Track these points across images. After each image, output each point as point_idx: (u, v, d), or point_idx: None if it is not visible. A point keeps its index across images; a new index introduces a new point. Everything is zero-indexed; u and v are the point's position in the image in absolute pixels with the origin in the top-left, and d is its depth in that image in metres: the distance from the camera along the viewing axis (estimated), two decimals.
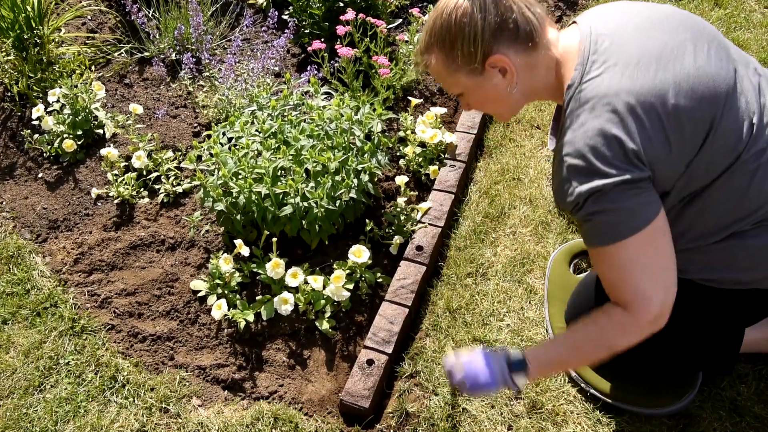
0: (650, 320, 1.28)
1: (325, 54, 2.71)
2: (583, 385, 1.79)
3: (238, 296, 2.10)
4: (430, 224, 2.23)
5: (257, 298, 2.09)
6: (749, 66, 1.36)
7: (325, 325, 1.99)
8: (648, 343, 1.67)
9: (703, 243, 1.39)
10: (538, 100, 1.55)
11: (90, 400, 1.86)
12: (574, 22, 1.40)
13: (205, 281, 2.15)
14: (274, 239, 2.07)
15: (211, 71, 2.89)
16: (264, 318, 2.03)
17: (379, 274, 2.13)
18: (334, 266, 2.12)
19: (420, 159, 2.49)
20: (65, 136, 2.65)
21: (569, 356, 1.42)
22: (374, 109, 2.36)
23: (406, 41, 2.91)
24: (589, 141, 1.22)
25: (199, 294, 2.13)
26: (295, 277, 1.98)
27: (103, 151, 2.50)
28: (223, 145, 2.30)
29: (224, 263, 2.04)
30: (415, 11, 2.87)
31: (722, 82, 1.25)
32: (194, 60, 2.86)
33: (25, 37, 2.87)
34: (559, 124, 1.41)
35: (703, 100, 1.22)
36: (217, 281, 2.11)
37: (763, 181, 1.30)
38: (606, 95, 1.22)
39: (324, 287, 2.00)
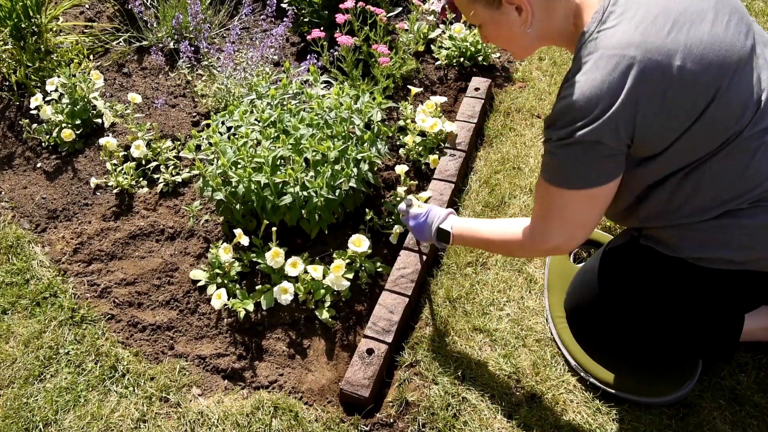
0: (541, 251, 1.56)
1: (325, 43, 2.69)
2: (582, 374, 1.79)
3: (237, 286, 2.10)
4: None
5: (257, 287, 2.09)
6: None
7: (324, 315, 1.99)
8: (648, 330, 1.68)
9: (699, 219, 1.40)
10: (552, 45, 1.59)
11: (90, 389, 1.86)
12: None
13: (204, 271, 2.14)
14: (274, 229, 2.07)
15: (209, 60, 2.87)
16: (264, 307, 2.03)
17: (378, 264, 2.13)
18: (334, 256, 2.11)
19: (420, 148, 2.48)
20: (64, 125, 2.64)
21: (482, 245, 1.76)
22: (374, 98, 2.35)
23: (406, 30, 2.89)
24: (585, 91, 1.25)
25: (199, 284, 2.13)
26: (295, 266, 1.98)
27: (102, 141, 2.49)
28: (222, 135, 2.29)
29: (224, 253, 2.04)
30: None
31: (734, 54, 1.26)
32: (192, 49, 2.85)
33: (23, 25, 2.85)
34: None
35: (711, 66, 1.23)
36: (217, 271, 2.11)
37: (763, 159, 1.31)
38: (615, 47, 1.24)
39: (324, 277, 2.00)
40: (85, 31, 3.20)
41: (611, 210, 1.57)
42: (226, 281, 2.09)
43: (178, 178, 2.48)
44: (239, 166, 2.13)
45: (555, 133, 1.32)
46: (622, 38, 1.24)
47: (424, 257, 2.08)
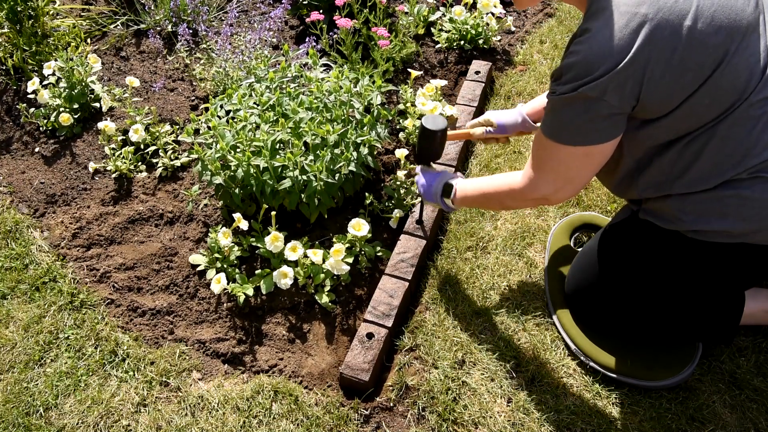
0: (529, 200, 1.55)
1: (324, 25, 2.67)
2: (582, 358, 1.79)
3: (237, 270, 2.09)
4: None
5: (256, 272, 2.08)
6: None
7: (324, 299, 1.99)
8: (648, 309, 1.68)
9: (698, 188, 1.40)
10: (562, 1, 1.59)
11: (90, 374, 1.86)
12: None
13: (204, 255, 2.14)
14: (273, 213, 2.06)
15: (207, 43, 2.85)
16: (263, 292, 2.03)
17: (378, 248, 2.12)
18: (334, 240, 2.11)
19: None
20: (61, 109, 2.63)
21: (481, 201, 1.73)
22: (373, 81, 2.33)
23: (406, 12, 2.87)
24: (594, 46, 1.25)
25: (198, 268, 2.12)
26: (295, 250, 1.97)
27: (101, 125, 2.48)
28: (220, 118, 2.27)
29: (223, 237, 2.03)
30: None
31: (744, 19, 1.27)
32: (191, 32, 2.82)
33: (19, 9, 2.83)
34: None
35: (720, 29, 1.24)
36: (216, 255, 2.10)
37: (765, 129, 1.31)
38: (628, 4, 1.25)
39: (323, 261, 1.99)
40: (83, 14, 3.18)
41: (611, 179, 1.57)
42: (225, 266, 2.09)
43: (177, 163, 2.46)
44: (238, 149, 2.12)
45: (560, 87, 1.32)
46: None
47: (424, 241, 2.07)
